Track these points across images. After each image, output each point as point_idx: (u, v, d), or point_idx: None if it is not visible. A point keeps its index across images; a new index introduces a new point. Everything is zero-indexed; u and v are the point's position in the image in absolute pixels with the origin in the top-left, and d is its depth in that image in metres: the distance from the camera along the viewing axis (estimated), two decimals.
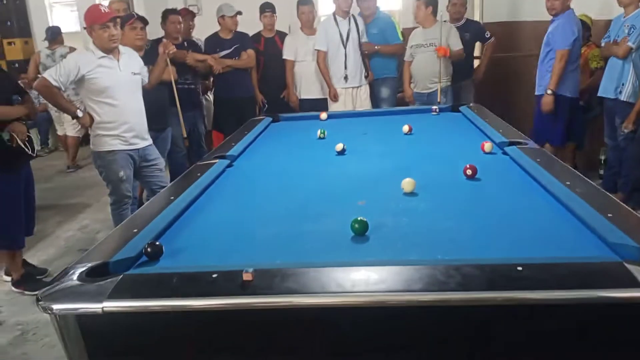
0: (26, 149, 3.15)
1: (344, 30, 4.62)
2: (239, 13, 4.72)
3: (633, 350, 1.22)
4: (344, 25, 4.63)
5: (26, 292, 3.27)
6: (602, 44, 4.04)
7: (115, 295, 1.30)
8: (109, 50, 3.10)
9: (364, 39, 4.73)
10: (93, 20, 3.05)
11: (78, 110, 3.17)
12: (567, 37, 3.94)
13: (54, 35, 6.22)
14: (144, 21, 3.65)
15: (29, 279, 3.35)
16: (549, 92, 4.02)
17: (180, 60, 4.42)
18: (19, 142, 3.09)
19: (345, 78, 4.65)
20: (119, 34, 3.10)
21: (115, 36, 3.07)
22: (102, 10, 3.10)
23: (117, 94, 3.14)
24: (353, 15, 4.71)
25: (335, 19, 4.65)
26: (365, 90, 4.78)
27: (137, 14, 3.78)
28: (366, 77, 4.77)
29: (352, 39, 4.63)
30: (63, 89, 3.08)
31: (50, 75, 3.00)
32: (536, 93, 4.29)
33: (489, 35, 5.12)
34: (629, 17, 3.74)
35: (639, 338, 1.20)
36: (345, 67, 4.63)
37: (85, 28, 3.17)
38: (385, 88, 4.82)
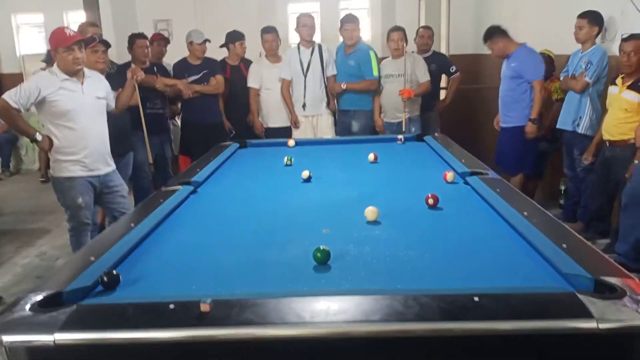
0: None
1: (305, 59, 4.70)
2: (207, 40, 4.75)
3: None
4: (305, 55, 4.71)
5: None
6: (561, 78, 4.20)
7: (67, 326, 1.26)
8: (73, 73, 3.06)
9: (331, 70, 4.77)
10: (58, 43, 3.01)
11: (37, 134, 3.10)
12: (539, 68, 4.15)
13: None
14: (106, 44, 3.63)
15: None
16: (532, 120, 4.19)
17: (150, 85, 4.40)
18: None
19: (304, 106, 4.72)
20: (83, 57, 3.07)
21: (80, 59, 3.03)
22: (67, 34, 3.06)
23: (79, 117, 3.08)
24: (319, 45, 4.79)
25: (298, 48, 4.73)
26: (326, 119, 4.83)
27: (98, 37, 3.75)
28: (327, 105, 4.83)
29: (313, 68, 4.70)
30: (23, 110, 3.01)
31: (10, 97, 2.94)
32: (503, 125, 4.42)
33: (454, 69, 5.25)
34: (585, 53, 3.91)
35: None
36: (304, 96, 4.70)
37: (49, 50, 3.12)
38: (356, 122, 4.76)
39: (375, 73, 4.67)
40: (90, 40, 3.50)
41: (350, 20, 4.65)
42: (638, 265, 3.28)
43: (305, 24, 4.67)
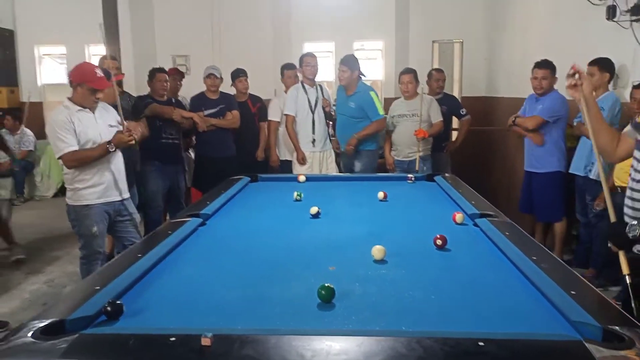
0: None
1: (312, 97, 4.76)
2: (221, 78, 4.89)
3: None
4: (312, 93, 4.78)
5: None
6: (575, 124, 4.21)
7: (68, 355, 1.26)
8: (89, 106, 3.14)
9: (328, 106, 4.83)
10: (85, 79, 3.08)
11: (108, 146, 3.11)
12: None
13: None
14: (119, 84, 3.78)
15: None
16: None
17: (167, 116, 4.50)
18: None
19: (313, 142, 4.75)
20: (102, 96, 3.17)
21: (100, 99, 3.14)
22: (98, 74, 3.12)
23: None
24: (320, 85, 4.90)
25: (303, 87, 4.78)
26: (331, 154, 4.88)
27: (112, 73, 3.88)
28: (331, 140, 4.90)
29: (319, 106, 4.78)
30: (77, 147, 3.06)
31: (63, 149, 3.01)
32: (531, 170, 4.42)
33: (464, 112, 5.29)
34: (598, 100, 3.92)
35: None
36: (313, 132, 4.74)
37: (71, 81, 3.19)
38: (359, 162, 4.70)
39: (381, 112, 4.66)
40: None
41: (342, 62, 4.65)
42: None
43: (308, 63, 4.77)
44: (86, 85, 3.07)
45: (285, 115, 4.79)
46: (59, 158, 3.07)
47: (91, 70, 3.15)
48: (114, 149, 3.12)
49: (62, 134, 3.02)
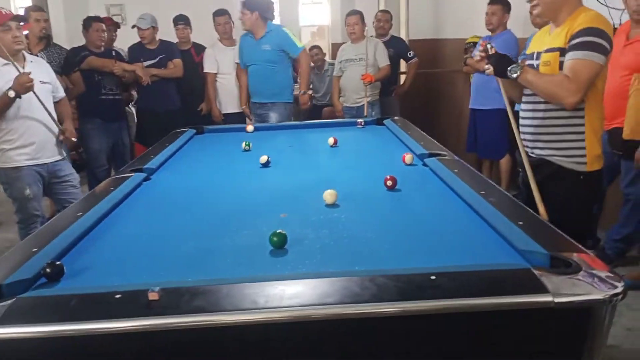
0: None
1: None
2: (153, 27, 4.61)
3: (541, 355, 1.24)
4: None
5: None
6: (519, 61, 4.25)
7: (6, 320, 1.19)
8: (13, 53, 2.89)
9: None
10: None
11: (7, 92, 2.81)
12: None
13: None
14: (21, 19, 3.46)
15: None
16: None
17: (107, 70, 4.26)
18: None
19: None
20: (22, 37, 2.92)
21: (19, 38, 2.88)
22: (2, 12, 2.88)
23: (23, 103, 2.92)
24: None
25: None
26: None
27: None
28: None
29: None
30: None
31: None
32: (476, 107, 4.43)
33: (412, 54, 5.24)
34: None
35: (545, 342, 1.23)
36: None
37: None
38: (274, 113, 4.41)
39: (300, 45, 4.37)
40: (22, 18, 3.32)
41: (242, 5, 4.32)
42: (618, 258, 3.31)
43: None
44: None
45: (236, 63, 4.61)
46: None
47: None
48: (13, 95, 2.82)
49: None
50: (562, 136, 2.13)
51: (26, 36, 3.42)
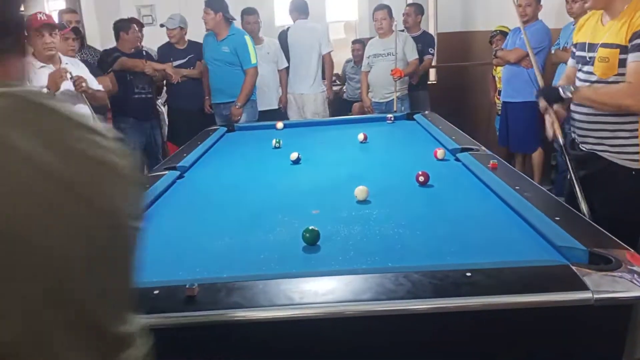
0: None
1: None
2: (182, 28, 4.65)
3: (580, 352, 1.21)
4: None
5: None
6: (553, 52, 4.16)
7: None
8: (46, 59, 2.98)
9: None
10: (28, 26, 2.91)
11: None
12: None
13: None
14: (77, 32, 3.61)
15: None
16: None
17: (138, 70, 4.34)
18: None
19: None
20: (54, 43, 2.99)
21: (50, 44, 2.96)
22: (38, 17, 2.96)
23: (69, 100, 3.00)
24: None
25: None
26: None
27: (67, 24, 3.71)
28: None
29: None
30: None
31: None
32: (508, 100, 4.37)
33: (431, 51, 5.15)
34: None
35: (585, 339, 1.20)
36: None
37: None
38: (244, 112, 4.37)
39: (254, 60, 4.30)
40: (61, 27, 3.41)
41: (206, 4, 4.27)
42: None
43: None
44: (31, 32, 2.87)
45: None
46: None
47: (32, 16, 2.95)
48: (46, 92, 2.89)
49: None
50: (614, 133, 2.07)
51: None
